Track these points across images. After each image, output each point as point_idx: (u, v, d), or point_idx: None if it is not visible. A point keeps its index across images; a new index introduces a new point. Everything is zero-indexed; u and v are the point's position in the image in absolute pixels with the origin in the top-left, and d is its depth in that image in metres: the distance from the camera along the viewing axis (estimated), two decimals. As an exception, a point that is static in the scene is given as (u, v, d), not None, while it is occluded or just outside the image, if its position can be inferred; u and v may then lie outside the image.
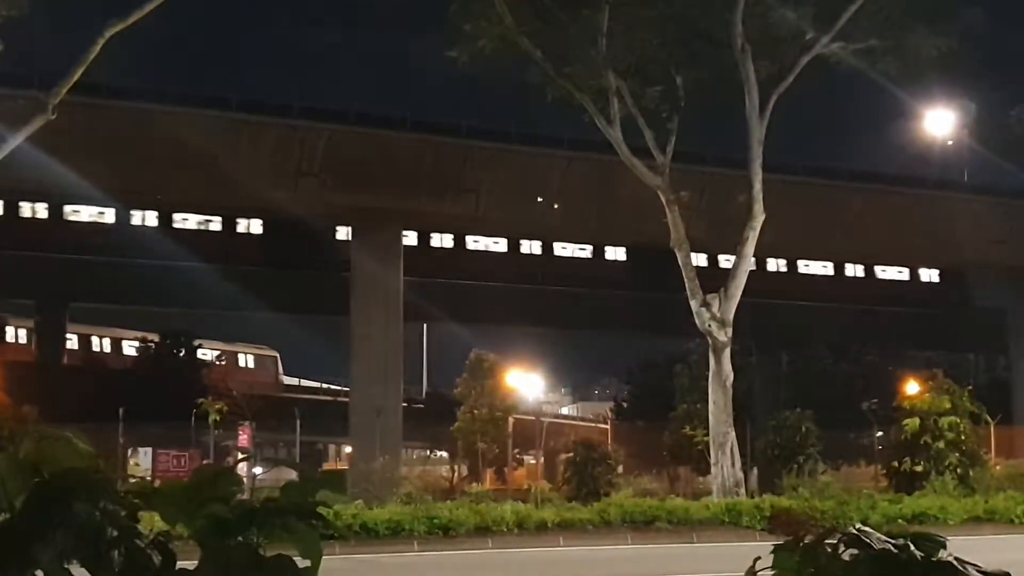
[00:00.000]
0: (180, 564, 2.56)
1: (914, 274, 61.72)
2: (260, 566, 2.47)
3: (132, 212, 49.08)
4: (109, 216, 49.15)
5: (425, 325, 79.20)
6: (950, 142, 53.79)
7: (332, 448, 74.82)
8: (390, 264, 46.10)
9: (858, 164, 58.32)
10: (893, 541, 2.69)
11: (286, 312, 61.19)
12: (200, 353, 64.14)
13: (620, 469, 42.23)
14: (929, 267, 60.90)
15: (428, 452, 66.48)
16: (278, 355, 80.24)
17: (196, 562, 2.54)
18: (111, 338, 71.68)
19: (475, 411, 54.61)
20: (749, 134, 32.69)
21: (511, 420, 53.69)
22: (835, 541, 2.71)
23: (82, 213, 49.21)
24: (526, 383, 54.87)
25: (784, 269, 59.31)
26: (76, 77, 26.09)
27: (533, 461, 57.95)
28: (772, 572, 2.66)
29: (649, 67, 33.28)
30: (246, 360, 76.86)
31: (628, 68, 32.76)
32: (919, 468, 34.89)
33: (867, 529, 2.74)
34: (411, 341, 69.23)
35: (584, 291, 55.89)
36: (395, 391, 46.76)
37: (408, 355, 60.52)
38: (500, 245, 54.46)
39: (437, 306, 51.72)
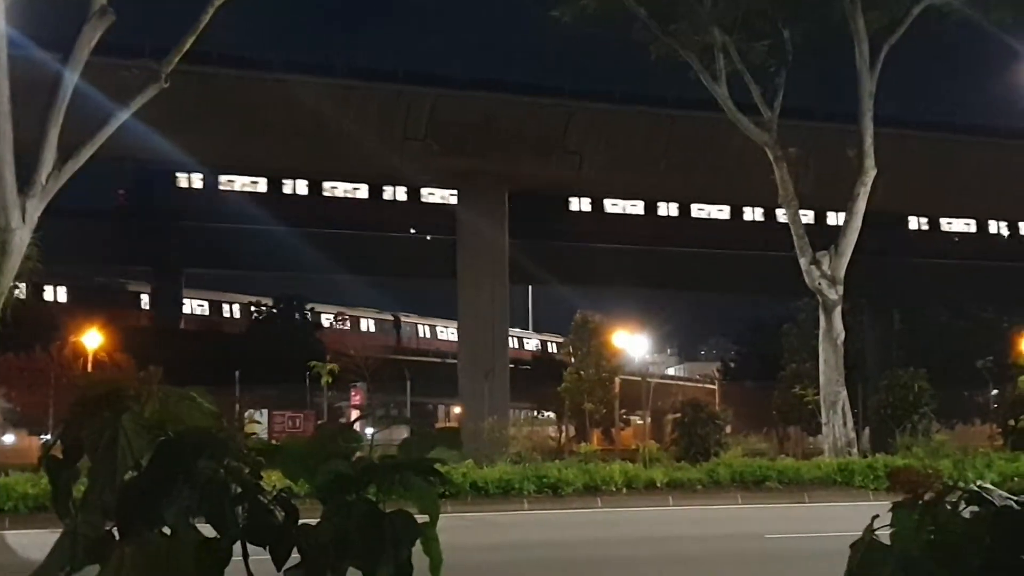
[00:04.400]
0: (302, 520, 2.61)
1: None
2: (380, 521, 2.50)
3: (241, 179, 50.08)
4: (221, 183, 50.26)
5: (530, 287, 79.52)
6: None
7: (441, 409, 75.68)
8: (495, 226, 46.29)
9: (972, 117, 56.81)
10: (1015, 498, 2.63)
11: (394, 275, 61.89)
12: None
13: (728, 429, 42.01)
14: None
15: (535, 412, 66.84)
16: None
17: (318, 518, 2.58)
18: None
19: (581, 372, 54.78)
20: (859, 87, 31.95)
21: (617, 381, 53.76)
22: (955, 499, 2.65)
23: (193, 181, 50.60)
24: (632, 344, 54.76)
25: (896, 225, 58.12)
26: (188, 46, 26.49)
27: (640, 422, 57.96)
28: (891, 530, 2.62)
29: (755, 21, 32.67)
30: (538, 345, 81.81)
31: (734, 23, 32.21)
32: (1034, 425, 34.01)
33: (988, 486, 2.69)
34: (517, 303, 69.65)
35: (690, 251, 55.51)
36: (502, 352, 47.06)
37: (514, 317, 60.87)
38: (604, 206, 54.31)
39: (542, 267, 51.86)
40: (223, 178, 50.53)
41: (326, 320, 69.75)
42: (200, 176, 50.86)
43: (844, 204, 32.33)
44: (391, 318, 79.44)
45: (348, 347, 54.41)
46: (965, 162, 50.33)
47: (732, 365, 76.17)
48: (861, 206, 31.84)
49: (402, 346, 74.27)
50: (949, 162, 50.02)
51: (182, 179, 51.58)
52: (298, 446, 2.63)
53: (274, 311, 65.03)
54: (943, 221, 59.37)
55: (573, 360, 56.65)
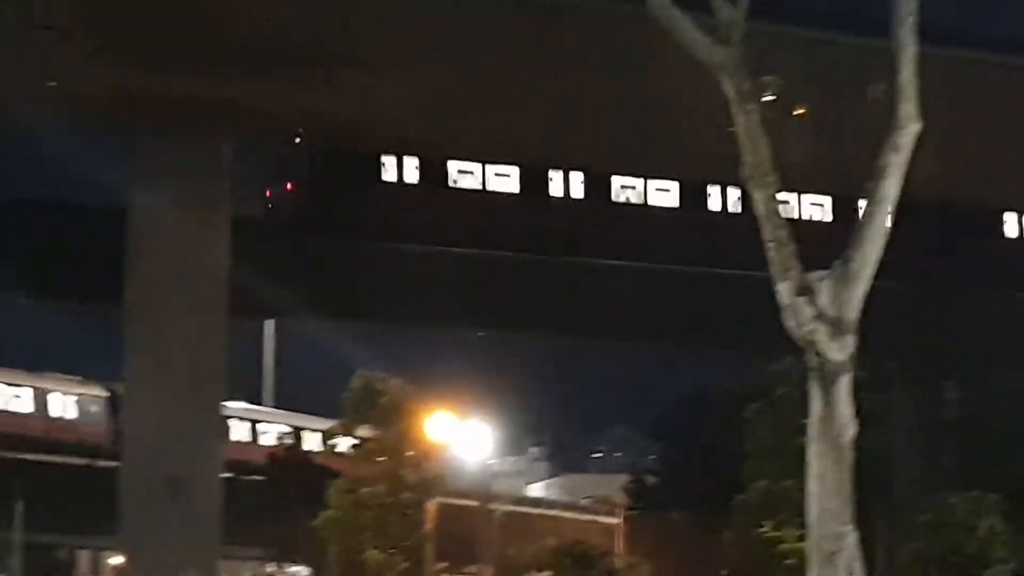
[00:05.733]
0: None
1: None
2: None
3: None
4: None
5: (270, 324, 79.09)
6: None
7: (86, 557, 74.67)
8: (204, 210, 46.12)
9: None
10: None
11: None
12: None
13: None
14: None
15: (275, 565, 66.44)
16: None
17: None
18: None
19: (362, 488, 54.57)
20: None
21: (432, 507, 53.67)
22: None
23: None
24: (462, 435, 54.85)
25: (947, 224, 59.32)
26: None
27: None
28: None
29: None
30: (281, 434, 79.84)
31: None
32: None
33: None
34: (243, 352, 68.94)
35: (576, 262, 55.82)
36: (210, 447, 46.68)
37: (237, 379, 60.39)
38: (415, 169, 54.38)
39: (293, 290, 51.58)
40: None
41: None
42: None
43: (862, 185, 32.93)
44: (103, 394, 77.88)
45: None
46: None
47: (649, 480, 76.48)
48: (892, 189, 32.26)
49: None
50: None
51: None
52: None
53: None
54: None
55: (348, 464, 56.56)
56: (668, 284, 56.57)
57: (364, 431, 55.03)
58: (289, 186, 52.91)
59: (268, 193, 53.69)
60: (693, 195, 56.12)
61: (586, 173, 55.29)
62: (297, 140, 51.33)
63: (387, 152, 51.25)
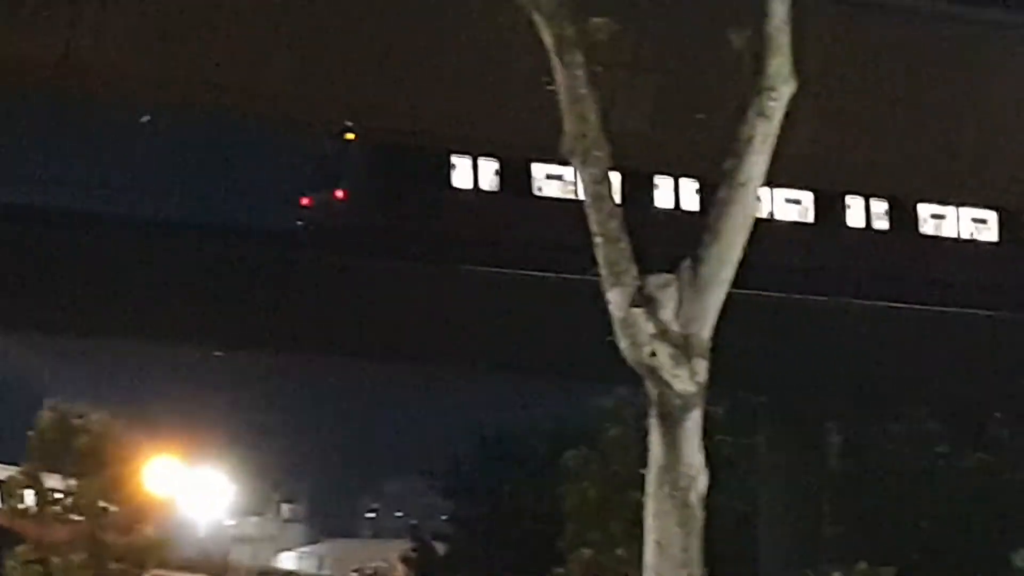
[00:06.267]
0: None
1: None
2: None
3: None
4: None
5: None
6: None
7: None
8: None
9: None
10: None
11: None
12: None
13: None
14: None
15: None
16: None
17: None
18: None
19: (51, 557, 54.21)
20: None
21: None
22: None
23: None
24: (191, 488, 54.82)
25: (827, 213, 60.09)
26: None
27: None
28: None
29: None
30: None
31: None
32: None
33: None
34: None
35: (346, 264, 55.86)
36: None
37: None
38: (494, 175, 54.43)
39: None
40: None
41: None
42: None
43: (718, 164, 33.25)
44: None
45: None
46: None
47: (438, 547, 76.78)
48: (757, 168, 32.57)
49: None
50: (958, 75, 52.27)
51: None
52: None
53: None
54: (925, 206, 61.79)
55: (33, 526, 56.14)
56: (468, 290, 56.70)
57: (55, 481, 54.60)
58: (340, 194, 52.71)
59: (308, 202, 53.39)
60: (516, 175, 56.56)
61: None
62: (349, 136, 51.21)
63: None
